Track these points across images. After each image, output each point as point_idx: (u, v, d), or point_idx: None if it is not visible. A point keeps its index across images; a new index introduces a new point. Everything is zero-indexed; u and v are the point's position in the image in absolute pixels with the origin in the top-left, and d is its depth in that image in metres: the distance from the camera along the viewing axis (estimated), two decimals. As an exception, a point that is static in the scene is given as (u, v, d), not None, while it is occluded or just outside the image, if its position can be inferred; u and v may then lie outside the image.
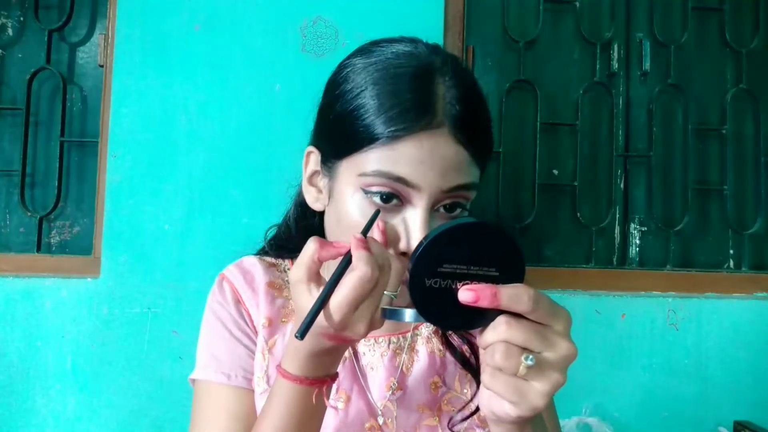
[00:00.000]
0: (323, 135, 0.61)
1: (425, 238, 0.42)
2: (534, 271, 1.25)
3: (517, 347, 0.40)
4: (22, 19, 1.30)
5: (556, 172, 1.33)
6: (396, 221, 0.54)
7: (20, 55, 1.29)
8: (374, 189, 0.53)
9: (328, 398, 0.55)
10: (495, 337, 0.41)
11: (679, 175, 1.34)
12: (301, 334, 0.43)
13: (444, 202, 0.55)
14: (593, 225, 1.30)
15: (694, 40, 1.36)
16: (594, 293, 1.22)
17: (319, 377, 0.53)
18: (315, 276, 0.49)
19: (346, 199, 0.56)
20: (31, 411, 1.13)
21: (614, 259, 1.33)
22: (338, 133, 0.57)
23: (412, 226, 0.54)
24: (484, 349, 0.43)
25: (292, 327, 0.67)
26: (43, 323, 1.13)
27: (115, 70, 1.16)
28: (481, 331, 0.42)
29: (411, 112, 0.52)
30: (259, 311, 0.70)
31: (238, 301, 0.71)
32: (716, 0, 1.36)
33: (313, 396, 0.53)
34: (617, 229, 1.34)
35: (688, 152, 1.33)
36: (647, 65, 1.33)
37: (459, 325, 0.44)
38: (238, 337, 0.69)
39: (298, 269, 0.49)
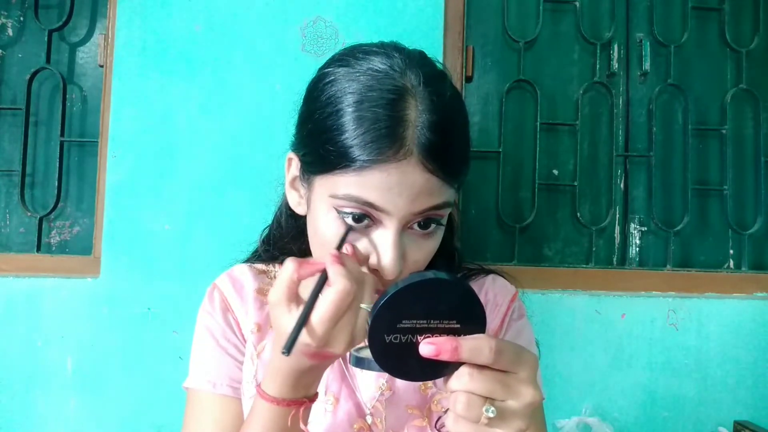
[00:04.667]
0: (301, 147, 0.61)
1: (383, 295, 0.42)
2: (534, 271, 1.25)
3: (480, 397, 0.40)
4: (22, 19, 1.30)
5: (556, 172, 1.33)
6: (368, 239, 0.55)
7: (20, 55, 1.29)
8: (346, 210, 0.54)
9: (305, 422, 0.55)
10: (458, 386, 0.41)
11: (679, 175, 1.34)
12: (288, 349, 0.43)
13: (416, 221, 0.56)
14: (593, 225, 1.30)
15: (694, 40, 1.36)
16: (594, 293, 1.22)
17: (297, 399, 0.54)
18: (294, 296, 0.49)
19: (321, 215, 0.57)
20: (31, 411, 1.13)
21: (614, 259, 1.33)
22: (314, 151, 0.57)
23: (383, 245, 0.54)
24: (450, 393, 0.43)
25: (271, 348, 0.68)
26: (43, 323, 1.13)
27: (115, 70, 1.16)
28: (446, 379, 0.43)
29: (379, 142, 0.52)
30: (248, 318, 0.72)
31: (226, 310, 0.73)
32: (716, 0, 1.36)
33: (289, 418, 0.53)
34: (617, 229, 1.34)
35: (688, 152, 1.33)
36: (647, 65, 1.33)
37: (422, 377, 0.44)
38: (224, 346, 0.71)
39: (276, 290, 0.49)
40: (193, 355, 0.73)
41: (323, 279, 0.48)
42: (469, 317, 0.42)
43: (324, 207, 0.56)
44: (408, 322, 0.41)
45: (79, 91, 1.29)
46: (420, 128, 0.52)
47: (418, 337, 0.42)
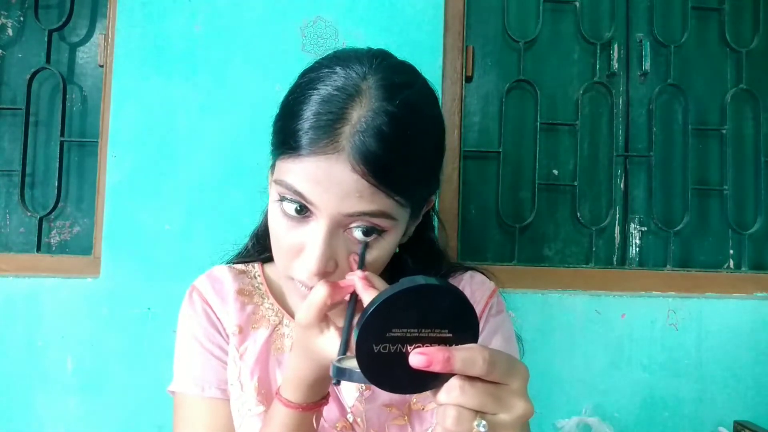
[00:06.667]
0: (272, 131, 0.62)
1: (372, 303, 0.40)
2: (534, 271, 1.25)
3: (471, 411, 0.39)
4: (22, 19, 1.30)
5: (556, 172, 1.33)
6: (304, 232, 0.56)
7: (20, 55, 1.29)
8: (286, 196, 0.55)
9: (319, 420, 0.59)
10: (448, 400, 0.39)
11: (679, 175, 1.34)
12: (336, 376, 0.43)
13: (354, 225, 0.54)
14: (593, 225, 1.30)
15: (694, 40, 1.36)
16: (594, 293, 1.22)
17: (317, 401, 0.57)
18: (325, 317, 0.51)
19: (270, 202, 0.59)
20: (31, 411, 1.13)
21: (614, 259, 1.33)
22: (274, 133, 0.59)
23: (311, 240, 0.55)
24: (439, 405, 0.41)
25: (287, 360, 0.69)
26: (43, 323, 1.13)
27: (115, 70, 1.16)
28: (435, 392, 0.41)
29: (315, 132, 0.52)
30: (230, 318, 0.72)
31: (207, 311, 0.73)
32: (716, 0, 1.36)
33: (314, 419, 0.57)
34: (617, 229, 1.34)
35: (688, 152, 1.33)
36: (647, 65, 1.33)
37: (411, 388, 0.41)
38: (209, 348, 0.72)
39: (308, 312, 0.51)
40: (178, 358, 0.74)
41: (355, 300, 0.50)
42: (462, 326, 0.40)
43: (273, 193, 0.57)
44: (398, 331, 0.39)
45: (79, 91, 1.29)
46: (359, 129, 0.51)
47: (408, 347, 0.39)
